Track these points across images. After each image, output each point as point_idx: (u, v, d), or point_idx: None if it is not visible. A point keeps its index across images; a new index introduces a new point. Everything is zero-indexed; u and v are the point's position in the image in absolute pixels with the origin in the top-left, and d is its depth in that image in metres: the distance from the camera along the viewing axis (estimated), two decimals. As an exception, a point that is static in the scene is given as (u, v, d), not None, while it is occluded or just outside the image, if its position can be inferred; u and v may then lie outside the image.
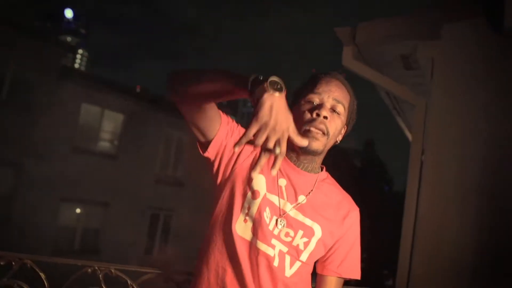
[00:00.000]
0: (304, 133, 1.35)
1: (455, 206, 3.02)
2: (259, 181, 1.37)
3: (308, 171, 1.44)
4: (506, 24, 2.79)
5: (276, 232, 1.35)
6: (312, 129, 1.35)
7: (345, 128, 1.48)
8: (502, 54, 3.04)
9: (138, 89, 16.92)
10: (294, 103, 1.44)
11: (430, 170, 3.10)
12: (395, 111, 5.60)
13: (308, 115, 1.37)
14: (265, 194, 1.36)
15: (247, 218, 1.35)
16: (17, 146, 11.39)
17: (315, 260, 1.44)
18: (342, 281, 1.48)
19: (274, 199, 1.37)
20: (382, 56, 3.74)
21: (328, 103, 1.39)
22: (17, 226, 11.03)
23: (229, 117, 1.40)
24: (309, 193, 1.42)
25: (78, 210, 13.35)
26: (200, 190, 13.05)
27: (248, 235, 1.34)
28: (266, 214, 1.35)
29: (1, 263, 1.80)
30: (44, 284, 1.83)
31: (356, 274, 1.49)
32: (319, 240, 1.40)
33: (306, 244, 1.38)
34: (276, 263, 1.34)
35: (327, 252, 1.45)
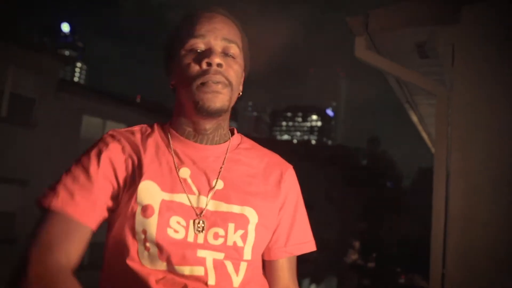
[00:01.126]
0: (198, 90, 1.04)
1: (487, 199, 2.83)
2: (146, 191, 1.02)
3: (215, 144, 1.12)
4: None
5: (200, 240, 1.02)
6: (209, 82, 1.04)
7: (243, 75, 1.17)
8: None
9: (138, 99, 16.87)
10: (170, 57, 1.12)
11: (458, 163, 2.91)
12: (408, 104, 5.42)
13: (195, 68, 1.05)
14: (162, 201, 1.02)
15: (147, 245, 1.00)
16: (21, 163, 11.25)
17: (262, 251, 1.14)
18: (294, 259, 1.20)
19: (181, 198, 1.04)
20: (395, 45, 3.55)
21: (218, 46, 1.07)
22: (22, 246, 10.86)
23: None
24: (220, 170, 1.09)
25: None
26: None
27: (160, 265, 1.00)
28: (176, 226, 1.01)
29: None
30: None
31: (309, 246, 1.20)
32: (258, 225, 1.08)
33: (244, 237, 1.06)
34: (212, 280, 1.01)
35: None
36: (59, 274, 0.92)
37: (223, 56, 1.07)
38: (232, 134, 1.19)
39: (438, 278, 2.90)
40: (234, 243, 1.05)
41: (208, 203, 1.06)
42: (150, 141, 1.10)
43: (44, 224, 0.98)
